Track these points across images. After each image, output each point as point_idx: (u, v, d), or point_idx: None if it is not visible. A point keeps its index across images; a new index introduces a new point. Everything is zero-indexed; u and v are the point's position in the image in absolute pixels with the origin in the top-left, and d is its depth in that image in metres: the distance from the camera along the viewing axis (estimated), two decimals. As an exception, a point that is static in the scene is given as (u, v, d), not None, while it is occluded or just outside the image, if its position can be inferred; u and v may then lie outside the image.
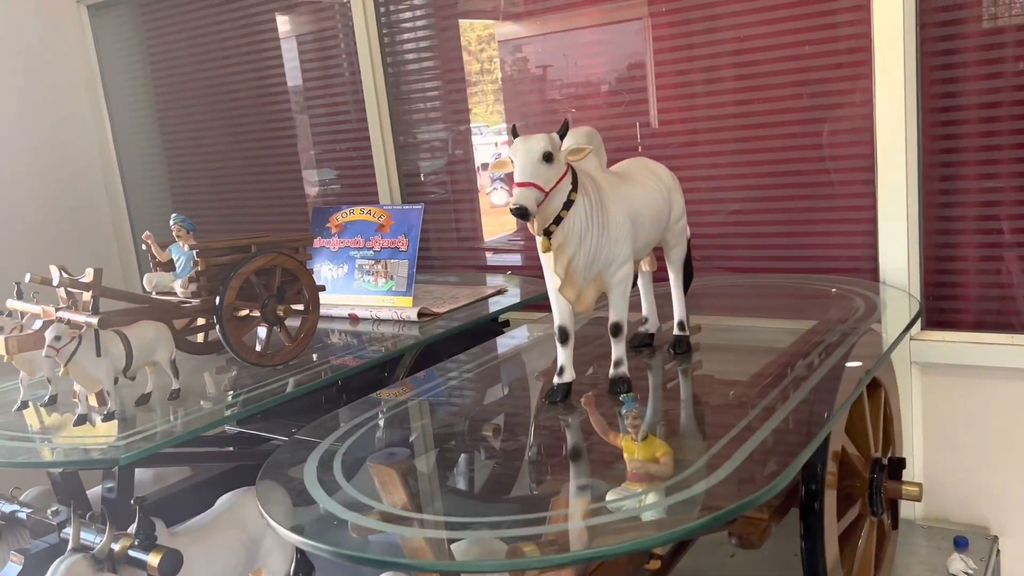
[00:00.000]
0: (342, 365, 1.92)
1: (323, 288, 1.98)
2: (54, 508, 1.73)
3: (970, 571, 1.93)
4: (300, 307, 1.90)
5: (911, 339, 2.08)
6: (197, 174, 3.51)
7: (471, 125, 2.81)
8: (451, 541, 1.11)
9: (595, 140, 1.45)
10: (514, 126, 1.34)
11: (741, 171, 2.30)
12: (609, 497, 1.12)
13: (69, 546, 1.54)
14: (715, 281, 2.31)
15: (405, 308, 2.23)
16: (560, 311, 1.43)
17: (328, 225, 2.47)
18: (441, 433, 1.49)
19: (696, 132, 2.34)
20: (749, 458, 1.19)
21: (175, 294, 1.81)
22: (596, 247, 1.36)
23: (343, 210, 2.47)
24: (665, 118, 2.39)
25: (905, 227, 2.05)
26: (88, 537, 1.56)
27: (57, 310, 1.61)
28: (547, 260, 1.36)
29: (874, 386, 1.77)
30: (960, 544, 2.02)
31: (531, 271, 2.70)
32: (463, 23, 2.75)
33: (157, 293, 1.85)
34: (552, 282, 1.38)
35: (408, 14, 2.80)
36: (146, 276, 1.83)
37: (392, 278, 2.33)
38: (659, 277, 1.74)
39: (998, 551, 2.06)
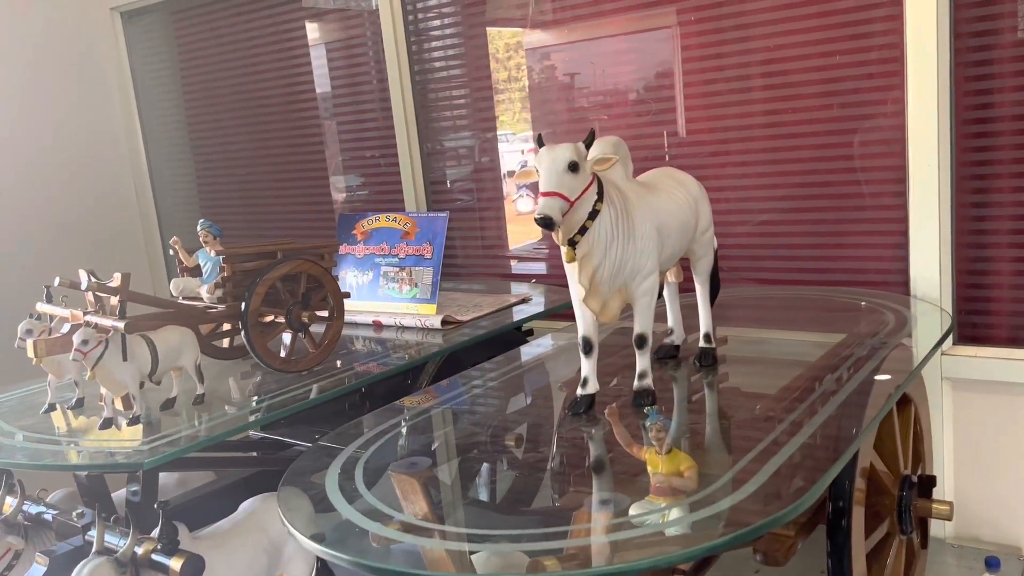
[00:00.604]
0: (366, 372, 1.92)
1: (348, 295, 1.99)
2: (79, 510, 1.74)
3: (1002, 593, 1.88)
4: (325, 314, 1.91)
5: (942, 354, 2.04)
6: (225, 180, 3.54)
7: (497, 133, 2.80)
8: (472, 553, 1.10)
9: (621, 150, 1.43)
10: (539, 135, 1.34)
11: (770, 181, 2.27)
12: (632, 511, 1.10)
13: (93, 549, 1.55)
14: (743, 292, 2.29)
15: (429, 316, 2.23)
16: (584, 321, 1.42)
17: (354, 232, 2.48)
18: (463, 443, 1.48)
19: (725, 142, 2.32)
20: (776, 474, 1.17)
21: (201, 299, 1.82)
22: (621, 257, 1.35)
23: (369, 217, 2.48)
24: (693, 127, 2.37)
25: (937, 240, 2.02)
26: (112, 540, 1.57)
27: (85, 314, 1.62)
28: (572, 270, 1.35)
29: (904, 402, 1.74)
30: (991, 565, 1.97)
31: (556, 280, 2.69)
32: (491, 31, 2.75)
33: (184, 298, 1.86)
34: (576, 292, 1.37)
35: (436, 22, 2.81)
36: (173, 281, 1.84)
37: (416, 285, 2.33)
38: (685, 288, 1.72)
39: (1031, 572, 2.01)
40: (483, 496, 1.27)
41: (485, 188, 2.87)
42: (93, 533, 1.65)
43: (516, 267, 2.87)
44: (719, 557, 1.69)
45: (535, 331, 2.42)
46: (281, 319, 1.84)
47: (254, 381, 1.92)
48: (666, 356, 1.71)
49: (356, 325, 2.32)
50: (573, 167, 1.25)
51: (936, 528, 2.06)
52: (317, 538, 1.10)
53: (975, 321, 2.07)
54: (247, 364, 2.04)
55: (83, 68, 3.51)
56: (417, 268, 2.35)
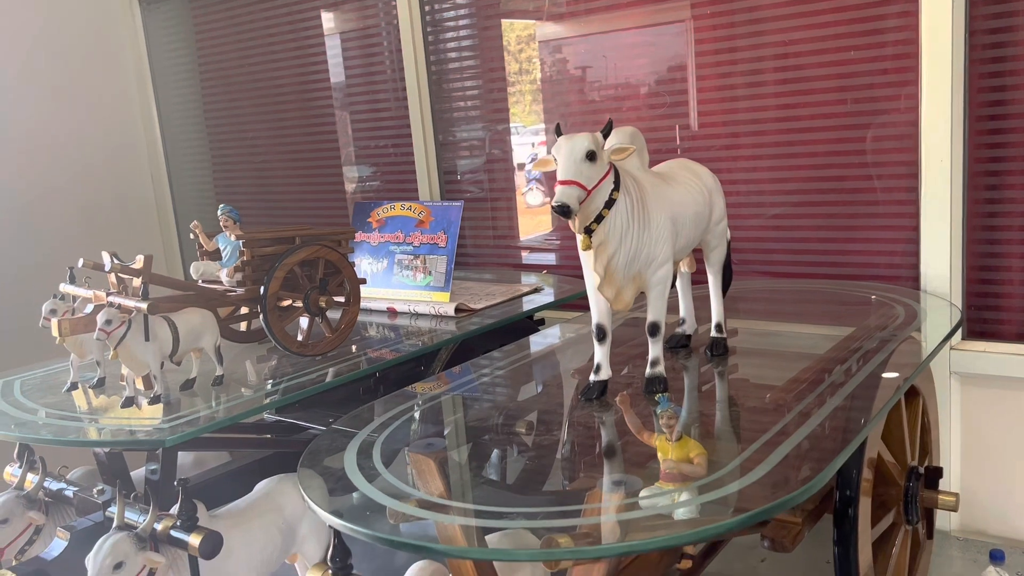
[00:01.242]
0: (380, 357, 1.95)
1: (364, 281, 2.01)
2: (99, 487, 1.78)
3: (1006, 585, 1.90)
4: (341, 299, 1.94)
5: (951, 348, 2.06)
6: (240, 167, 3.57)
7: (510, 125, 2.82)
8: (486, 530, 1.13)
9: (638, 140, 1.46)
10: (558, 124, 1.36)
11: (782, 175, 2.29)
12: (642, 495, 1.13)
13: (114, 524, 1.58)
14: (753, 285, 2.31)
15: (442, 303, 2.26)
16: (598, 309, 1.44)
17: (369, 220, 2.51)
18: (476, 426, 1.51)
19: (737, 135, 2.34)
20: (784, 461, 1.19)
21: (221, 282, 1.85)
22: (636, 246, 1.37)
23: (384, 205, 2.50)
24: (706, 121, 2.38)
25: (948, 235, 2.03)
26: (132, 516, 1.60)
27: (108, 295, 1.65)
28: (587, 258, 1.37)
29: (912, 394, 1.76)
30: (996, 557, 1.98)
31: (567, 270, 2.71)
32: (505, 23, 2.77)
33: (203, 281, 1.89)
34: (591, 280, 1.39)
35: (451, 12, 2.83)
36: (193, 264, 1.87)
37: (430, 273, 2.36)
38: (697, 280, 1.74)
39: (1035, 566, 2.03)
40: (497, 476, 1.30)
41: (497, 179, 2.90)
42: (113, 509, 1.68)
43: (527, 257, 2.90)
44: (727, 543, 1.72)
45: (546, 321, 2.44)
46: (299, 303, 1.86)
47: (270, 364, 1.96)
48: (678, 345, 1.73)
49: (370, 312, 2.35)
50: (591, 156, 1.27)
51: (942, 521, 2.08)
52: (336, 513, 1.13)
53: (984, 316, 2.08)
54: (263, 348, 2.07)
55: (101, 54, 3.54)
56: (431, 256, 2.37)
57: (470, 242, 2.96)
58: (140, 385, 1.68)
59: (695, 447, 1.20)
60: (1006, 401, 2.05)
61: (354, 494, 1.19)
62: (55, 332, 1.63)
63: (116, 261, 1.66)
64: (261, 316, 1.81)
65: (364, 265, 2.45)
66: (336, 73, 3.19)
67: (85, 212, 3.42)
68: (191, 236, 1.91)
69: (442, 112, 2.92)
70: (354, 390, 2.11)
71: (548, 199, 2.85)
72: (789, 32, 2.20)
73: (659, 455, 1.20)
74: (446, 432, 1.50)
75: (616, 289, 1.39)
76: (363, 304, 2.10)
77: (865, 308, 1.98)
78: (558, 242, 2.79)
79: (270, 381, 1.85)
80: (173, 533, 1.56)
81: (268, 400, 1.72)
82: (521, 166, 2.85)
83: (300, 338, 1.90)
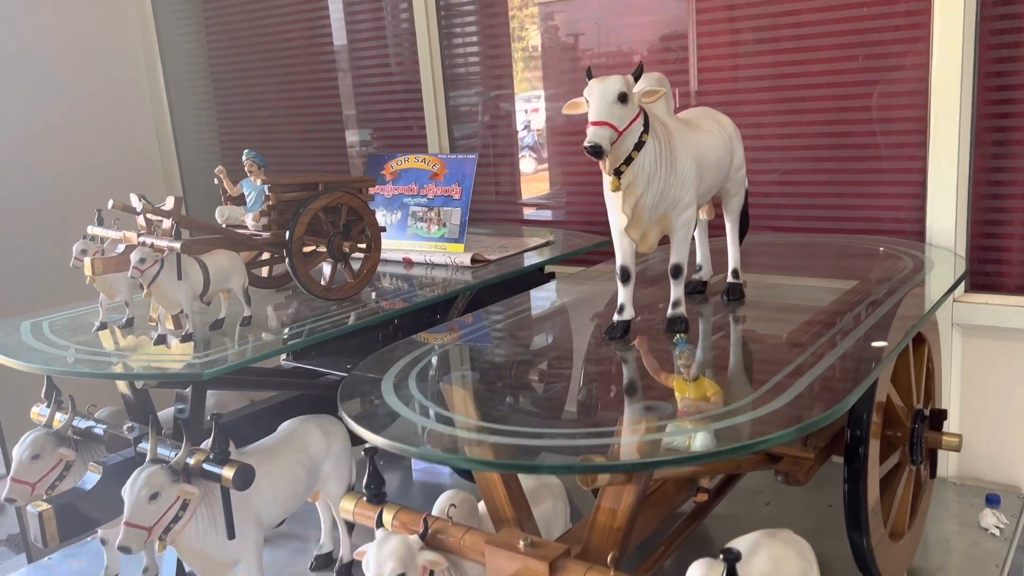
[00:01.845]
0: (399, 304, 2.00)
1: (384, 229, 2.05)
2: (129, 424, 1.83)
3: (1001, 526, 1.98)
4: (363, 245, 1.97)
5: (954, 301, 2.12)
6: (246, 123, 3.58)
7: (514, 84, 2.85)
8: (520, 453, 1.18)
9: (665, 85, 1.49)
10: (589, 68, 1.39)
11: (792, 131, 2.33)
12: (667, 429, 1.17)
13: (147, 458, 1.63)
14: (763, 239, 2.35)
15: (458, 254, 2.30)
16: (623, 252, 1.49)
17: (383, 172, 2.54)
18: (503, 362, 1.56)
19: (748, 91, 2.37)
20: (808, 389, 1.24)
21: (246, 227, 1.88)
22: (663, 188, 1.41)
23: (398, 158, 2.53)
24: (717, 76, 2.42)
25: (954, 191, 2.09)
26: (163, 452, 1.64)
27: (139, 235, 1.69)
28: (614, 199, 1.41)
29: (919, 341, 1.82)
30: (992, 501, 2.07)
31: (572, 226, 2.76)
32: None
33: (228, 225, 1.92)
34: (618, 221, 1.43)
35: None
36: (218, 209, 1.90)
37: (445, 225, 2.40)
38: (712, 233, 1.79)
39: (1029, 510, 2.11)
40: (530, 404, 1.35)
41: (500, 135, 2.92)
42: (144, 445, 1.73)
43: (530, 215, 2.94)
44: (740, 479, 1.79)
45: (556, 275, 2.49)
46: (322, 248, 1.90)
47: (291, 310, 1.99)
48: (694, 291, 1.78)
49: (386, 262, 2.39)
50: (622, 98, 1.31)
51: (940, 467, 2.15)
52: (378, 431, 1.18)
53: (987, 270, 2.14)
54: (282, 295, 2.11)
55: (105, 8, 3.52)
56: (446, 208, 2.41)
57: (475, 199, 2.99)
58: (171, 325, 1.72)
59: (711, 386, 1.25)
60: (1005, 352, 2.11)
61: (397, 416, 1.24)
62: (88, 271, 1.67)
63: (146, 202, 1.69)
64: (287, 260, 1.85)
65: (378, 217, 2.48)
66: (343, 29, 3.20)
67: (86, 171, 3.41)
68: (215, 181, 1.94)
69: (450, 67, 2.93)
70: (371, 338, 2.16)
71: (541, 167, 2.90)
72: (801, -12, 2.23)
73: (676, 395, 1.24)
74: (473, 369, 1.55)
75: (642, 231, 1.43)
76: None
77: (873, 259, 2.03)
78: (564, 199, 2.83)
79: (293, 325, 1.89)
80: (206, 466, 1.61)
81: (295, 340, 1.75)
82: (526, 126, 2.88)
83: (323, 284, 1.94)
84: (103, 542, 2.01)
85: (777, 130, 2.35)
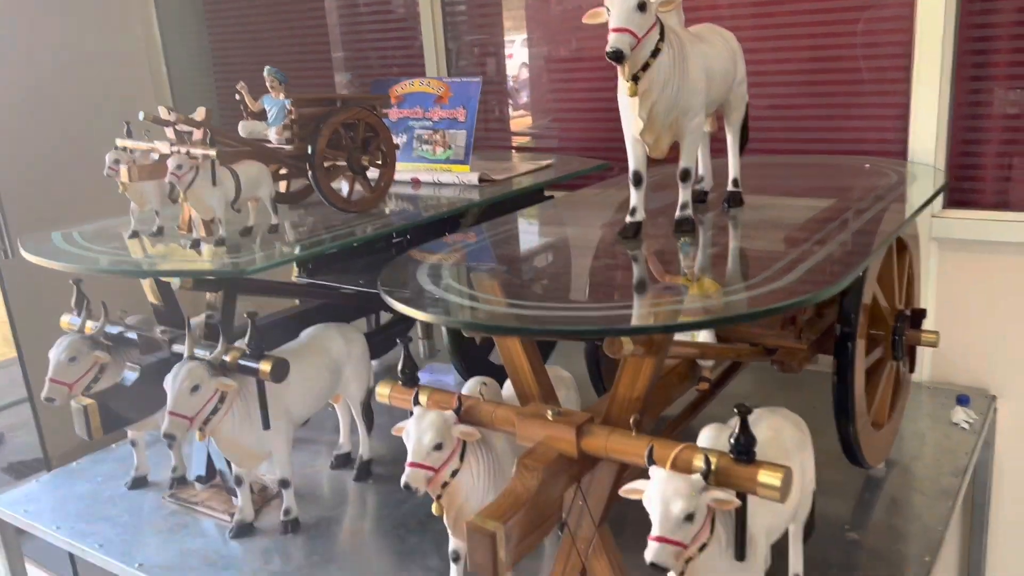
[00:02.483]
0: (412, 217, 2.10)
1: (398, 146, 2.14)
2: (162, 328, 1.93)
3: (970, 421, 2.16)
4: (379, 161, 2.06)
5: (932, 216, 2.27)
6: (242, 60, 3.61)
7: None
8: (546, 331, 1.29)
9: (677, -1, 1.58)
10: (609, -19, 1.48)
11: (781, 56, 2.44)
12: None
13: (185, 355, 1.73)
14: (754, 160, 2.47)
15: (465, 174, 2.39)
16: (636, 156, 1.59)
17: (387, 96, 2.60)
18: (525, 257, 1.67)
19: (736, 17, 2.47)
20: (811, 271, 1.36)
21: (268, 141, 1.96)
22: (676, 95, 1.52)
23: (403, 82, 2.60)
24: (705, 2, 2.50)
25: (936, 113, 2.21)
26: (199, 352, 1.75)
27: (172, 145, 1.77)
28: (631, 105, 1.51)
29: (901, 249, 1.96)
30: (962, 401, 2.25)
31: (569, 152, 2.86)
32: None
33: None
34: (633, 126, 1.54)
35: None
36: (241, 123, 1.98)
37: (450, 147, 2.49)
38: (714, 150, 1.89)
39: (995, 409, 2.29)
40: (556, 286, 1.46)
41: (488, 64, 2.99)
42: (179, 346, 1.83)
43: (525, 143, 3.04)
44: (737, 374, 1.93)
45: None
46: (342, 162, 1.99)
47: (312, 222, 2.08)
48: (696, 201, 1.89)
49: (395, 183, 2.47)
50: (642, 7, 1.40)
51: (915, 374, 2.31)
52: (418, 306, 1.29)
53: (963, 187, 2.29)
54: (298, 211, 2.19)
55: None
56: (451, 131, 2.50)
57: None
58: (203, 232, 1.81)
59: (713, 285, 1.37)
60: (979, 264, 2.27)
61: (435, 296, 1.35)
62: (124, 178, 1.74)
63: (178, 113, 1.76)
64: (309, 173, 1.94)
65: (385, 140, 2.56)
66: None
67: (78, 111, 3.43)
68: (236, 97, 2.01)
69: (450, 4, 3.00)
70: (384, 257, 2.26)
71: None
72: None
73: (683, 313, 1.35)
74: (498, 262, 1.65)
75: (656, 135, 1.54)
76: (389, 174, 2.23)
77: (860, 175, 2.16)
78: (558, 128, 2.92)
79: (318, 233, 1.97)
80: (243, 361, 1.72)
81: (322, 247, 1.84)
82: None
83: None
84: (133, 444, 2.13)
85: (769, 55, 2.45)
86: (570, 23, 2.80)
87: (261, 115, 2.00)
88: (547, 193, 2.59)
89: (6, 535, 2.22)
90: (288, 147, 1.92)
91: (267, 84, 1.94)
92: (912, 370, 2.03)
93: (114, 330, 1.98)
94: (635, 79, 1.47)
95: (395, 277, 1.48)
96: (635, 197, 1.63)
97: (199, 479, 2.09)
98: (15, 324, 3.08)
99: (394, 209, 2.21)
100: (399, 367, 1.51)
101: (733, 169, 1.83)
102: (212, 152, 1.69)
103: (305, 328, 2.06)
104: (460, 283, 1.44)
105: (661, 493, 1.14)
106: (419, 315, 1.28)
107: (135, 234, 1.90)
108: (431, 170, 2.46)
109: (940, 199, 2.28)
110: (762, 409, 1.47)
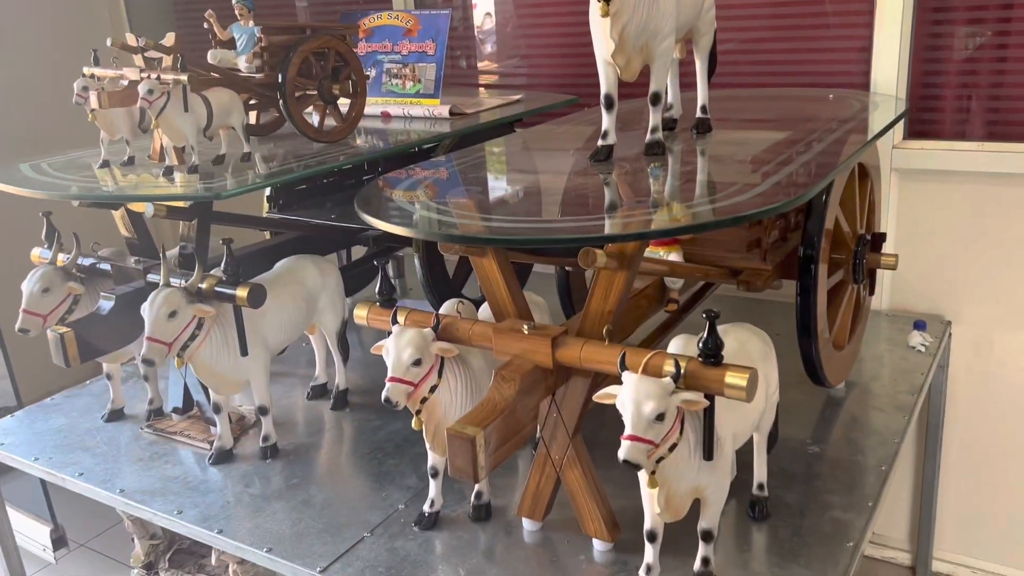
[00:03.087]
0: (383, 148, 2.10)
1: (369, 76, 2.13)
2: (136, 259, 1.93)
3: (926, 344, 2.24)
4: (350, 90, 2.06)
5: (893, 147, 2.33)
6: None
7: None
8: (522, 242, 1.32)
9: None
10: (581, -95, 1.49)
11: (749, -9, 2.46)
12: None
13: (161, 283, 1.74)
14: (720, 94, 2.50)
15: (436, 107, 2.39)
16: (607, 80, 1.62)
17: (357, 26, 2.58)
18: (498, 178, 1.69)
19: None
20: (777, 184, 1.40)
21: (238, 70, 1.95)
22: (646, 17, 1.53)
23: (371, 15, 2.58)
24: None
25: (898, 46, 2.26)
26: (174, 281, 1.75)
27: (141, 71, 1.75)
28: (602, 26, 1.53)
29: (863, 175, 2.02)
30: (919, 326, 2.33)
31: (536, 89, 2.87)
32: None
33: (220, 69, 1.98)
34: (605, 48, 1.56)
35: None
36: (210, 52, 1.96)
37: (420, 81, 2.48)
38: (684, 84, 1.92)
39: (950, 334, 2.38)
40: (530, 202, 1.49)
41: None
42: (155, 275, 1.84)
43: (493, 82, 3.04)
44: (713, 288, 1.99)
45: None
46: (312, 92, 1.99)
47: (281, 154, 2.07)
48: (665, 128, 1.92)
49: (364, 116, 2.46)
50: (612, -71, 1.42)
51: (874, 301, 2.40)
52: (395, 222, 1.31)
53: (924, 118, 2.35)
54: (266, 147, 2.18)
55: None
56: (420, 64, 2.49)
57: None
58: (175, 160, 1.81)
59: (680, 209, 1.40)
60: (937, 194, 2.34)
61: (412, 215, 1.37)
62: (94, 104, 1.72)
63: (148, 39, 1.74)
64: (280, 102, 1.93)
65: (354, 74, 2.55)
66: None
67: (34, 34, 3.34)
68: (205, 25, 1.98)
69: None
70: (359, 188, 2.27)
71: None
72: None
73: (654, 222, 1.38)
74: (469, 184, 1.67)
75: (627, 58, 1.56)
76: (358, 109, 2.22)
77: (824, 104, 2.20)
78: (525, 69, 2.93)
79: (290, 162, 1.96)
80: (219, 288, 1.73)
81: (299, 171, 1.83)
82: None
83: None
84: (109, 377, 2.14)
85: (735, -10, 2.48)
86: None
87: (230, 44, 1.98)
88: (516, 128, 2.61)
89: (-18, 470, 2.23)
90: (258, 75, 1.91)
91: (236, 12, 1.92)
92: (872, 293, 2.10)
93: (87, 262, 1.97)
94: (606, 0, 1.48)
95: (371, 199, 1.50)
96: (607, 121, 1.65)
97: (176, 411, 2.12)
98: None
99: (365, 142, 2.21)
100: (377, 289, 1.54)
101: (702, 96, 1.86)
102: (183, 77, 1.68)
103: (278, 261, 2.08)
104: (435, 202, 1.46)
105: (633, 395, 1.19)
106: (398, 230, 1.31)
107: (106, 164, 1.89)
108: (401, 104, 2.46)
109: (901, 130, 2.34)
110: (729, 324, 1.52)
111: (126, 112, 1.83)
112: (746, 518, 1.57)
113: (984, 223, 2.29)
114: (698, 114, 1.87)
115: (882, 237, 2.01)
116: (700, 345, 1.22)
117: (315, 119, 2.06)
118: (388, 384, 1.40)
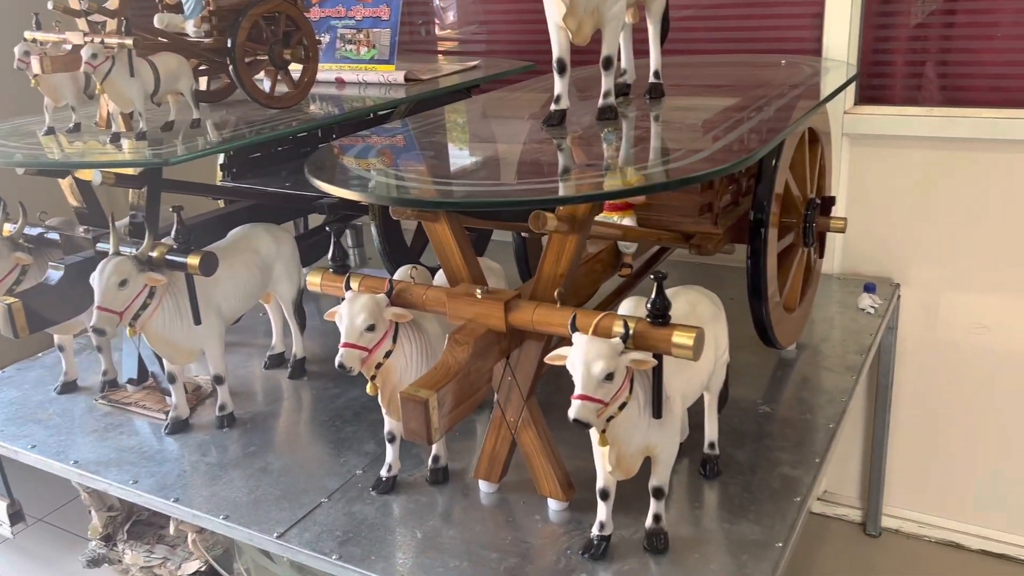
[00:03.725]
0: (337, 115, 2.08)
1: (320, 41, 2.11)
2: (85, 228, 1.90)
3: (875, 306, 2.29)
4: (302, 55, 2.03)
5: (844, 113, 2.36)
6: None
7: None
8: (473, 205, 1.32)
9: None
10: None
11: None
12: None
13: (110, 251, 1.72)
14: (672, 60, 2.51)
15: (391, 73, 2.37)
16: (559, 45, 1.61)
17: (309, -5, 2.54)
18: (452, 143, 1.68)
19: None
20: (728, 146, 1.42)
21: (186, 35, 1.92)
22: (597, -20, 1.53)
23: (324, -20, 2.54)
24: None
25: (849, 12, 2.28)
26: (125, 250, 1.73)
27: (85, 35, 1.71)
28: (553, -10, 1.53)
29: (813, 140, 2.05)
30: (869, 288, 2.38)
31: (493, 56, 2.86)
32: None
33: (167, 33, 1.95)
34: (557, 12, 1.55)
35: None
36: (157, 16, 1.92)
37: (374, 47, 2.46)
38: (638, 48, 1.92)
39: (899, 296, 2.44)
40: (484, 169, 1.49)
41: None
42: (104, 244, 1.81)
43: (450, 48, 3.02)
44: (662, 259, 2.01)
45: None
46: (263, 56, 1.96)
47: (232, 121, 2.05)
48: (619, 94, 1.93)
49: (318, 83, 2.44)
50: None
51: (825, 265, 2.44)
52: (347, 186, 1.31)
53: (875, 84, 2.38)
54: (217, 114, 2.15)
55: None
56: (374, 30, 2.46)
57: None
58: (123, 127, 1.77)
59: (633, 174, 1.41)
60: (887, 159, 2.38)
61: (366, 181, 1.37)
62: (36, 69, 1.68)
63: (92, 2, 1.70)
64: (230, 67, 1.90)
65: (307, 40, 2.51)
66: None
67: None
68: (151, -12, 1.94)
69: None
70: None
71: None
72: None
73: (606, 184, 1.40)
74: (424, 148, 1.67)
75: (578, 21, 1.56)
76: (311, 75, 2.20)
77: (776, 70, 2.22)
78: (485, 35, 2.91)
79: (242, 127, 1.94)
80: (170, 256, 1.71)
81: (251, 137, 1.81)
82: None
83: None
84: (61, 348, 2.11)
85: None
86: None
87: (177, 8, 1.94)
88: (472, 94, 2.60)
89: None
90: (207, 40, 1.88)
91: (182, -26, 1.88)
92: (822, 256, 2.14)
93: (34, 231, 1.94)
94: (557, -38, 1.48)
95: (322, 163, 1.49)
96: (559, 85, 1.65)
97: (131, 382, 2.10)
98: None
99: (319, 108, 2.19)
100: (329, 255, 1.53)
101: (654, 61, 1.87)
102: (128, 41, 1.65)
103: (230, 229, 2.06)
104: (388, 166, 1.46)
105: (583, 355, 1.20)
106: (348, 194, 1.30)
107: (51, 130, 1.85)
108: (356, 70, 2.43)
109: (852, 96, 2.37)
110: (680, 287, 1.55)
111: (70, 77, 1.79)
112: (698, 476, 1.61)
113: (933, 188, 2.34)
114: (651, 79, 1.88)
115: (832, 201, 2.04)
116: (648, 306, 1.24)
117: (266, 85, 2.03)
118: (342, 349, 1.40)
